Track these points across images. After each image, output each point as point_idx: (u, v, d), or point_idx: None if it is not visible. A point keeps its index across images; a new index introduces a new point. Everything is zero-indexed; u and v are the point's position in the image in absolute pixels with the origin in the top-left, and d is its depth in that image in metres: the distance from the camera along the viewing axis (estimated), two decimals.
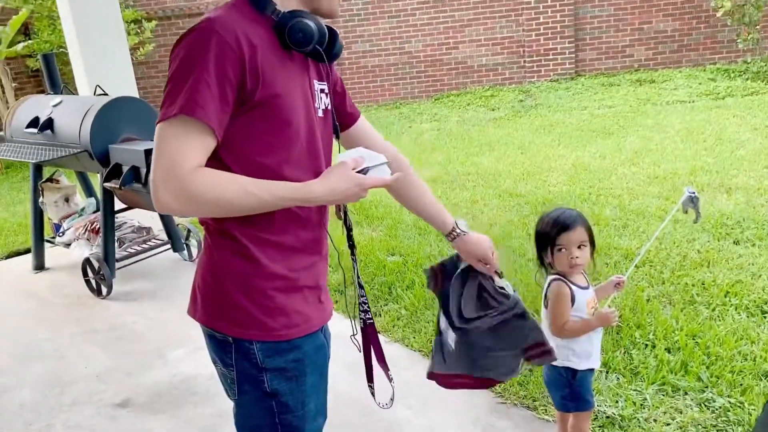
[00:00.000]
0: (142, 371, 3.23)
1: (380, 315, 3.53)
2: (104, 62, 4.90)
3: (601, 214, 4.60)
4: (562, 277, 2.04)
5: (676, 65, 10.29)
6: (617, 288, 2.19)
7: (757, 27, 9.08)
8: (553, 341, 1.99)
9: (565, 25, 10.30)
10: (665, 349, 2.86)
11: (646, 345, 2.92)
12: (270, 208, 1.26)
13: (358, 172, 1.32)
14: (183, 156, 1.16)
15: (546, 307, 2.09)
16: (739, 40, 9.38)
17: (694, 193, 2.19)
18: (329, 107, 1.47)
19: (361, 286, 1.62)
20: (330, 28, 1.38)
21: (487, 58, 10.65)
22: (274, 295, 1.35)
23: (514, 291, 1.79)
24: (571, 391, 2.10)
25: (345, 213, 1.58)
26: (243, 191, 1.20)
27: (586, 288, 2.08)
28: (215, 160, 1.25)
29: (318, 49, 1.33)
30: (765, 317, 3.06)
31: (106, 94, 4.30)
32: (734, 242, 3.98)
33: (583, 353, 2.06)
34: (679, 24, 10.20)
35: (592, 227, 2.07)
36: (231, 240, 1.33)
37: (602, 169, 5.75)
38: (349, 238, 1.59)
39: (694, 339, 2.92)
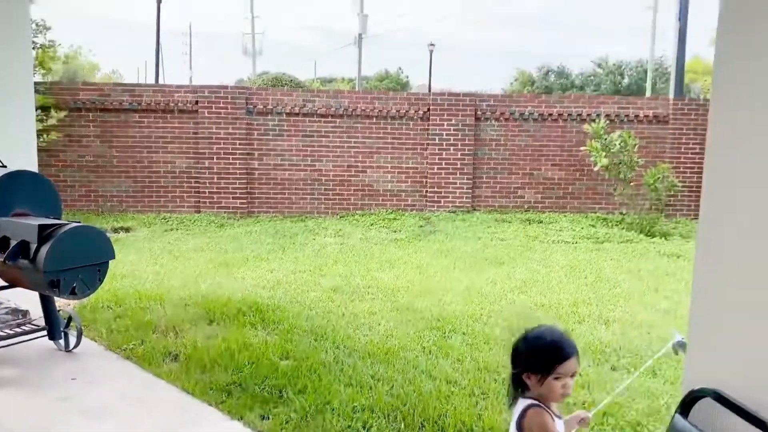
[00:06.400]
0: None
1: (268, 418, 3.40)
2: (7, 135, 4.75)
3: (491, 333, 4.78)
4: (540, 404, 1.91)
5: (562, 210, 11.25)
6: (581, 423, 2.12)
7: (631, 184, 10.21)
8: None
9: (464, 163, 11.11)
10: None
11: None
12: None
13: None
14: None
15: None
16: (615, 194, 10.47)
17: (682, 338, 2.11)
18: None
19: None
20: None
21: (392, 184, 11.18)
22: None
23: None
24: None
25: None
26: None
27: (560, 417, 1.99)
28: None
29: None
30: None
31: (5, 166, 4.14)
32: (612, 368, 4.23)
33: None
34: (565, 174, 11.28)
35: None
36: None
37: (494, 294, 6.03)
38: None
39: None
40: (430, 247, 8.44)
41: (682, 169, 10.99)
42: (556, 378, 1.89)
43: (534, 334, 2.00)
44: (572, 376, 1.91)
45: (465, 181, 11.16)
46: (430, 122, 11.05)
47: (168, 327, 4.82)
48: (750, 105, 1.73)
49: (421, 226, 9.94)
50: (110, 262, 4.00)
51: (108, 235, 8.95)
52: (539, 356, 1.93)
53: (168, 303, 5.46)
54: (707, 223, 1.93)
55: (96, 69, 41.22)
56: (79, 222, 3.88)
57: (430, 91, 34.49)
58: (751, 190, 1.77)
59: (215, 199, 10.89)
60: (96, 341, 4.58)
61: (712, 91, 1.82)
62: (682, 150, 11.13)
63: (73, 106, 10.55)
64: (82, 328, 4.45)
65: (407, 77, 54.70)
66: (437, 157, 11.10)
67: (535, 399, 1.92)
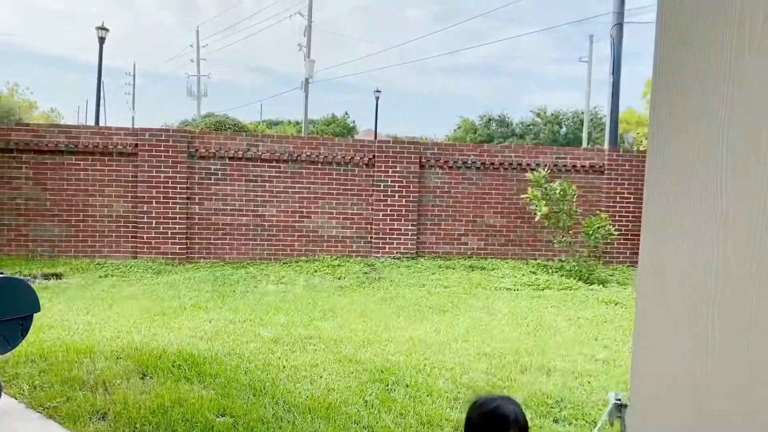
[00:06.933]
0: None
1: None
2: None
3: (434, 385, 4.73)
4: None
5: (503, 257, 11.41)
6: None
7: (570, 232, 10.48)
8: None
9: (409, 210, 11.20)
10: None
11: None
12: None
13: None
14: None
15: None
16: (555, 241, 10.71)
17: (620, 399, 1.81)
18: None
19: None
20: None
21: (337, 230, 11.13)
22: None
23: None
24: None
25: None
26: None
27: None
28: None
29: None
30: None
31: None
32: (554, 420, 4.23)
33: None
34: (506, 221, 11.50)
35: (527, 423, 1.94)
36: None
37: (437, 343, 6.00)
38: None
39: None
40: (374, 295, 8.38)
41: (617, 217, 11.37)
42: None
43: (474, 405, 1.97)
44: None
45: (410, 227, 11.22)
46: (376, 169, 11.13)
47: (97, 382, 4.56)
48: (683, 160, 1.78)
49: (365, 273, 9.89)
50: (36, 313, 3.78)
51: (37, 282, 8.52)
52: (475, 425, 1.92)
53: (99, 356, 5.19)
54: (645, 277, 1.95)
55: (33, 107, 40.01)
56: (1, 273, 3.66)
57: (376, 136, 34.94)
58: (684, 248, 1.80)
59: (153, 244, 10.57)
60: (17, 398, 4.29)
61: (648, 148, 1.87)
62: (617, 199, 11.55)
63: (5, 147, 10.15)
64: (2, 384, 4.16)
65: (354, 122, 55.27)
66: (382, 203, 11.15)
67: None
